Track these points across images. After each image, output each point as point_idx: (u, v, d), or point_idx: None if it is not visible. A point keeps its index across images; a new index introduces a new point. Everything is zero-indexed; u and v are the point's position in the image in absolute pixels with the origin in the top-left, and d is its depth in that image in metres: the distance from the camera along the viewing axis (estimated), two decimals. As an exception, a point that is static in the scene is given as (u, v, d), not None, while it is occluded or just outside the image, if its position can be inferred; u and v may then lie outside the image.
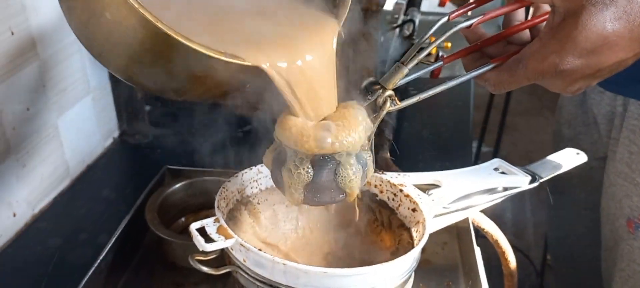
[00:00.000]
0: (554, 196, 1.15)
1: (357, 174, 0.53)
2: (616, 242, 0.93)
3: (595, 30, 0.46)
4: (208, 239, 0.53)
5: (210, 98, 0.55)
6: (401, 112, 1.10)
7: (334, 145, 0.50)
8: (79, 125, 0.94)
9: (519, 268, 0.84)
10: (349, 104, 0.54)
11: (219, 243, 0.53)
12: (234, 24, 0.57)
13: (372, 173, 0.56)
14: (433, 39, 0.54)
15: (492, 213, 0.75)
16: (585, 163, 0.82)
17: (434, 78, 1.12)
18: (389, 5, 1.43)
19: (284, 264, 0.51)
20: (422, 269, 0.71)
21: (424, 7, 1.51)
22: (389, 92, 0.54)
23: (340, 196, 0.53)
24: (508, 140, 2.40)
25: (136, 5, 0.41)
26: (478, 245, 0.73)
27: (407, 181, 0.67)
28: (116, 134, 1.05)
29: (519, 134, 2.50)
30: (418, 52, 0.53)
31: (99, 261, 0.68)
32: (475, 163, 2.08)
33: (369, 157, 0.55)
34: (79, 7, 0.46)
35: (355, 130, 0.51)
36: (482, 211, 0.75)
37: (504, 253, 0.80)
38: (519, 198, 0.71)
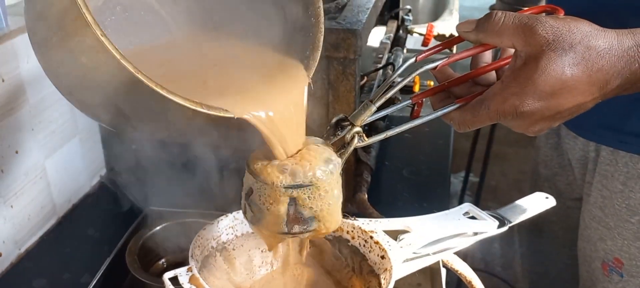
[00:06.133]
0: (533, 233, 1.17)
1: (327, 203, 0.55)
2: (593, 282, 0.95)
3: (554, 75, 0.48)
4: (180, 289, 0.55)
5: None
6: (381, 150, 1.12)
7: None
8: (66, 166, 0.97)
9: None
10: (320, 148, 0.56)
11: (190, 294, 0.55)
12: (215, 75, 0.60)
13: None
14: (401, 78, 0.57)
15: (480, 244, 0.76)
16: (562, 202, 0.84)
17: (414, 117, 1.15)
18: (374, 42, 1.47)
19: (251, 315, 0.53)
20: (396, 311, 0.73)
21: (409, 44, 1.55)
22: (357, 129, 0.56)
23: (313, 225, 0.55)
24: (497, 170, 2.43)
25: (116, 54, 0.42)
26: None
27: (378, 227, 0.69)
28: (103, 172, 1.07)
29: (508, 164, 2.53)
30: (386, 90, 0.56)
31: (79, 305, 0.70)
32: (462, 193, 2.08)
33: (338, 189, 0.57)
34: (54, 47, 0.47)
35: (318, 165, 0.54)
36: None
37: (477, 294, 0.82)
38: (508, 230, 0.73)
